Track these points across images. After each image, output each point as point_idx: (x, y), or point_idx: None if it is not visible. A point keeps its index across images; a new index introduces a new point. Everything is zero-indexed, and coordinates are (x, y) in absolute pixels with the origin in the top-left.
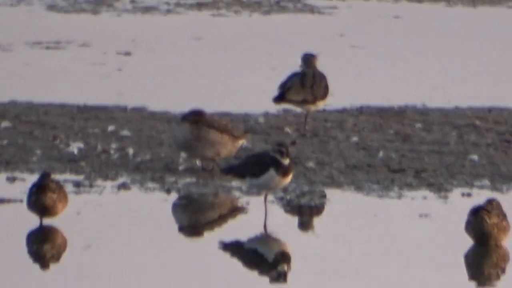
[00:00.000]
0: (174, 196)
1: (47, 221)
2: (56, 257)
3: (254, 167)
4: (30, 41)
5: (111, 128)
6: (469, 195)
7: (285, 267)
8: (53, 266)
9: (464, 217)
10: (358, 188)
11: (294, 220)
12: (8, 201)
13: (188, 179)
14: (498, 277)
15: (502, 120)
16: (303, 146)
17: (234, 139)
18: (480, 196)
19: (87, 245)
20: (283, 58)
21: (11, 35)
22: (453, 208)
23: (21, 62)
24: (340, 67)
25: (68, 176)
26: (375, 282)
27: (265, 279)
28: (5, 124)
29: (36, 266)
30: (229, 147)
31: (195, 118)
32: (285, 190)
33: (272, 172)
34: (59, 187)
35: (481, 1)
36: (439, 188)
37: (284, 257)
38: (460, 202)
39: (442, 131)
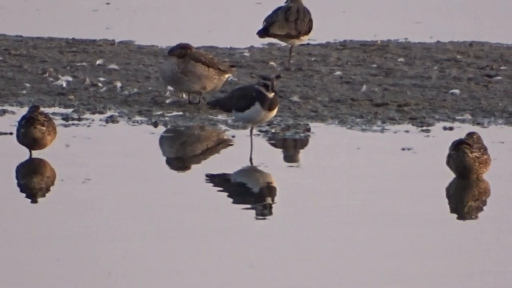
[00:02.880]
0: (161, 129)
1: (36, 153)
2: (45, 190)
3: (240, 101)
4: None
5: (99, 61)
6: (450, 128)
7: (271, 200)
8: (41, 199)
9: (445, 150)
10: (342, 121)
11: (279, 153)
12: None
13: (175, 113)
14: (479, 209)
15: (483, 55)
16: (287, 80)
17: (220, 73)
18: (461, 130)
19: (76, 178)
20: None
21: None
22: (435, 142)
23: None
24: (324, 2)
25: (57, 109)
26: (358, 214)
27: (251, 212)
28: None
29: (26, 198)
30: (215, 81)
31: (182, 52)
32: (270, 123)
33: (257, 106)
34: (48, 119)
35: None
36: (421, 122)
37: (269, 190)
38: (442, 136)
39: (424, 65)
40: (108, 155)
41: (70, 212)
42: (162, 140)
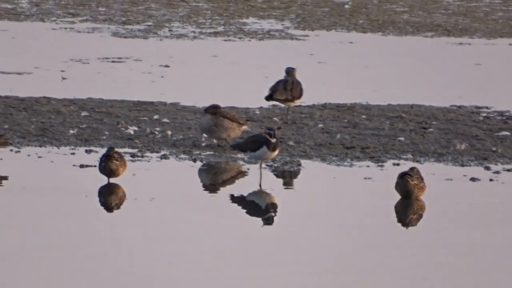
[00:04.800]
0: (198, 164)
1: (112, 180)
2: (119, 205)
3: (252, 145)
4: (101, 57)
5: (156, 117)
6: (398, 164)
7: (273, 213)
8: (116, 212)
9: (394, 179)
10: (323, 159)
11: (279, 181)
12: (86, 166)
13: (208, 152)
14: (417, 221)
15: (420, 113)
16: (285, 130)
17: (240, 125)
18: (405, 165)
19: (144, 198)
20: (272, 70)
21: (88, 53)
22: (387, 173)
23: (95, 71)
24: (311, 76)
25: (127, 149)
26: (333, 220)
27: (260, 221)
28: (84, 113)
29: (105, 212)
30: (237, 131)
31: (214, 110)
32: (273, 160)
33: (264, 148)
34: (121, 156)
35: (406, 32)
36: (378, 159)
37: (272, 206)
38: (392, 169)
39: (380, 120)
40: (163, 182)
41: (142, 223)
42: (200, 171)
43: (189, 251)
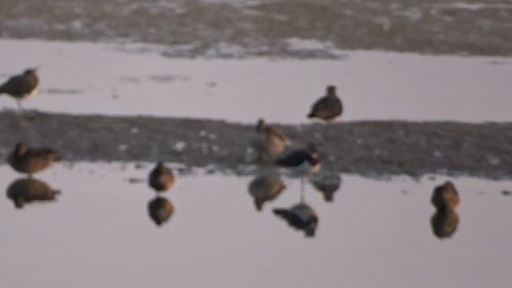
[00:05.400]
0: (243, 178)
1: (161, 194)
2: (166, 218)
3: (295, 160)
4: (150, 76)
5: (202, 133)
6: (433, 178)
7: (314, 225)
8: (165, 225)
9: (430, 193)
10: (362, 174)
11: (320, 194)
12: (136, 180)
13: (252, 167)
14: (451, 232)
15: (455, 130)
16: (326, 146)
17: (283, 141)
18: (441, 180)
19: (188, 210)
20: (314, 88)
21: (138, 72)
22: (423, 187)
23: (145, 89)
24: (350, 94)
25: (175, 164)
26: (371, 232)
27: (301, 233)
28: (134, 130)
29: (153, 224)
30: (281, 147)
31: (262, 126)
32: (314, 174)
33: (306, 163)
34: (169, 171)
35: (442, 51)
36: (414, 174)
37: (313, 218)
38: (428, 183)
39: (416, 136)
40: (209, 195)
41: (191, 235)
42: (245, 185)
43: (235, 263)
